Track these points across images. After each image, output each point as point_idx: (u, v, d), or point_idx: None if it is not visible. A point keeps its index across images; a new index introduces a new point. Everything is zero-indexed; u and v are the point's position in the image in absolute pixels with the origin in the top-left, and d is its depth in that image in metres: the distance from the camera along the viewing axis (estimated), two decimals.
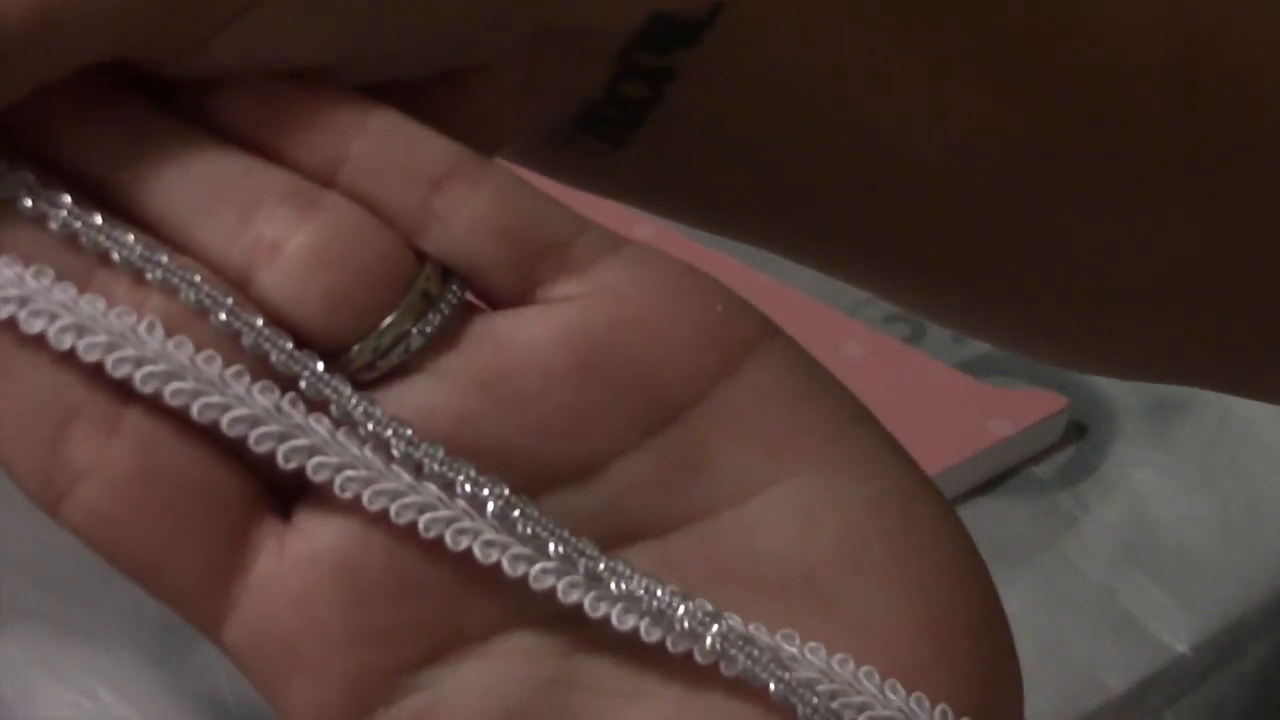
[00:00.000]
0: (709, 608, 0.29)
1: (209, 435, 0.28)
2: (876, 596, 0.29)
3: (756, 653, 0.28)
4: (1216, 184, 0.37)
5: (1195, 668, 0.61)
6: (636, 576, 0.28)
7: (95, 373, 0.28)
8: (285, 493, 0.29)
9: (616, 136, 0.34)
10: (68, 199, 0.28)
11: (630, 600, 0.28)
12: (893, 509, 0.30)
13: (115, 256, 0.28)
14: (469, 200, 0.29)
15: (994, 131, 0.35)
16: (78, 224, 0.28)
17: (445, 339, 0.28)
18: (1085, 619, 0.62)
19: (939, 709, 0.29)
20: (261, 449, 0.28)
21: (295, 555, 0.28)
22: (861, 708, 0.28)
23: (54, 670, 0.57)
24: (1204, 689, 0.61)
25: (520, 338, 0.29)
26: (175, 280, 0.28)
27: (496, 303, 0.29)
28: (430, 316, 0.28)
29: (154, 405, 0.28)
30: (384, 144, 0.29)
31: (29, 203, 0.28)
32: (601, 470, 0.29)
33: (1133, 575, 0.63)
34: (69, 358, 0.28)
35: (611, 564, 0.28)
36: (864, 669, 0.29)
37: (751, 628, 0.29)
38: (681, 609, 0.28)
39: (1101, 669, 0.60)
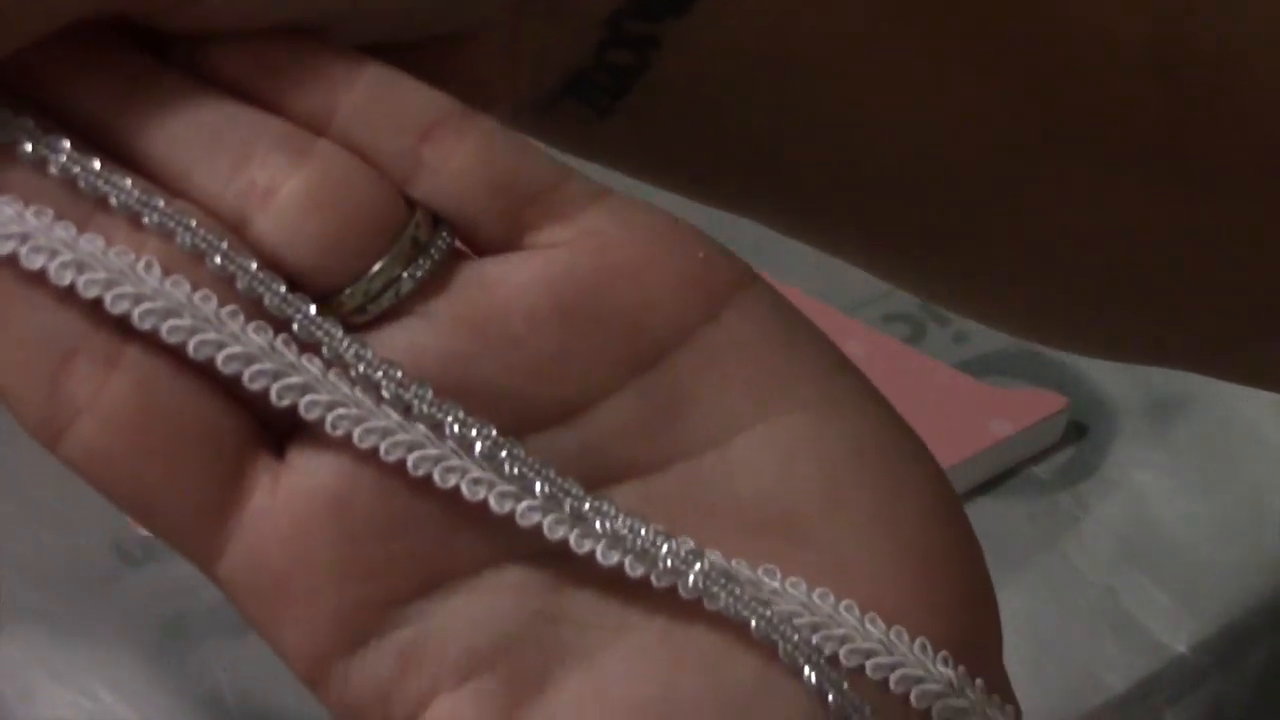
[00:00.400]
0: (692, 545, 0.29)
1: (205, 374, 0.28)
2: (856, 534, 0.30)
3: (738, 590, 0.29)
4: (1193, 167, 0.37)
5: (1195, 668, 0.61)
6: (621, 516, 0.29)
7: (95, 310, 0.28)
8: (279, 432, 0.29)
9: (604, 104, 0.34)
10: (67, 144, 0.28)
11: (614, 539, 0.29)
12: (871, 449, 0.30)
13: (113, 201, 0.28)
14: (457, 149, 0.29)
15: (976, 114, 0.36)
16: (76, 169, 0.28)
17: (434, 283, 0.29)
18: (1085, 619, 0.62)
19: (918, 642, 0.29)
20: (255, 386, 0.28)
21: (288, 491, 0.29)
22: (843, 640, 0.29)
23: (54, 670, 0.57)
24: (1204, 689, 0.61)
25: (508, 282, 0.29)
26: (171, 224, 0.28)
27: (484, 249, 0.30)
28: (420, 262, 0.29)
29: (152, 344, 0.28)
30: (374, 95, 0.29)
31: (29, 147, 0.28)
32: (586, 411, 0.29)
33: (1133, 575, 0.63)
34: (69, 295, 0.28)
35: (596, 503, 0.29)
36: (844, 603, 0.29)
37: (734, 563, 0.29)
38: (665, 547, 0.29)
39: (1101, 669, 0.60)
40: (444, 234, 0.29)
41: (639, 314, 0.29)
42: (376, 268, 0.29)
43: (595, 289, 0.29)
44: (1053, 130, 0.36)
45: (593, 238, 0.29)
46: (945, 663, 0.30)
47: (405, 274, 0.29)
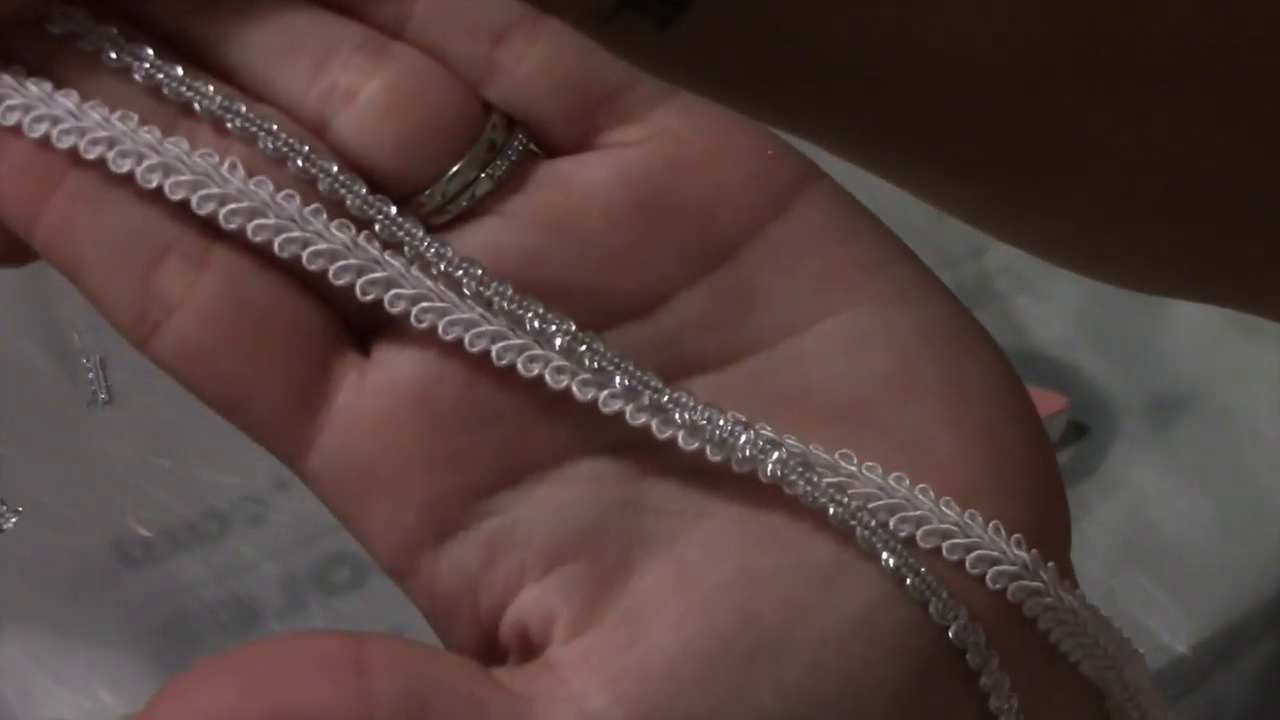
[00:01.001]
0: (769, 433, 0.29)
1: (291, 272, 0.29)
2: (927, 421, 0.30)
3: (815, 477, 0.29)
4: (1248, 99, 0.37)
5: (1195, 668, 0.61)
6: (699, 406, 0.29)
7: (182, 211, 0.29)
8: (363, 331, 0.30)
9: (663, 16, 0.35)
10: (150, 52, 0.29)
11: (693, 428, 0.29)
12: (940, 337, 0.31)
13: (196, 107, 0.29)
14: (530, 52, 0.30)
15: (1023, 36, 0.36)
16: (160, 76, 0.29)
17: (511, 184, 0.30)
18: None
19: (992, 524, 0.30)
20: (341, 281, 0.29)
21: (375, 385, 0.29)
22: (919, 522, 0.29)
23: (54, 670, 0.57)
24: (1204, 689, 0.61)
25: (583, 179, 0.30)
26: (254, 129, 0.29)
27: (557, 150, 0.30)
28: (497, 163, 0.29)
29: (239, 244, 0.29)
30: (447, 1, 0.30)
31: (114, 55, 0.29)
32: (660, 305, 0.30)
33: (1133, 575, 0.63)
34: (157, 197, 0.29)
35: (675, 395, 0.29)
36: (919, 486, 0.30)
37: (811, 448, 0.30)
38: (743, 437, 0.29)
39: None
40: (519, 135, 0.30)
41: (711, 209, 0.30)
42: (455, 169, 0.29)
43: (668, 185, 0.30)
44: (1102, 54, 0.36)
45: (664, 136, 0.30)
46: (1019, 545, 0.30)
47: (483, 175, 0.29)
